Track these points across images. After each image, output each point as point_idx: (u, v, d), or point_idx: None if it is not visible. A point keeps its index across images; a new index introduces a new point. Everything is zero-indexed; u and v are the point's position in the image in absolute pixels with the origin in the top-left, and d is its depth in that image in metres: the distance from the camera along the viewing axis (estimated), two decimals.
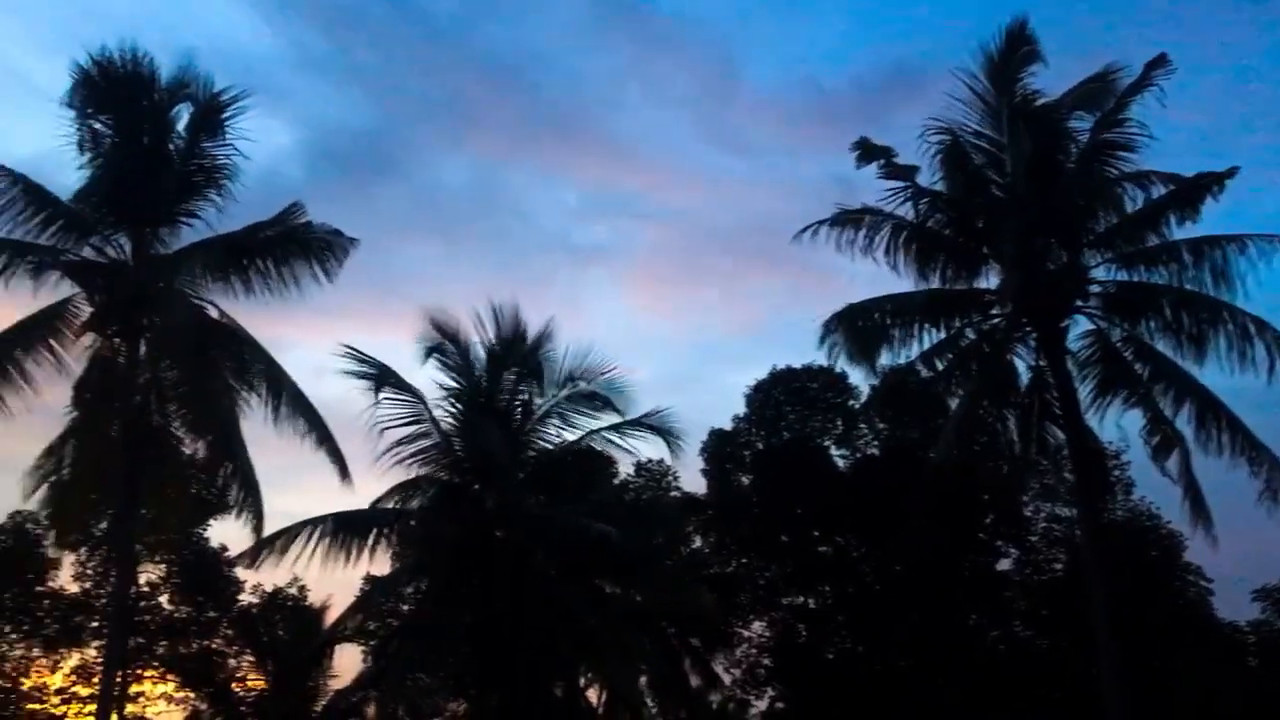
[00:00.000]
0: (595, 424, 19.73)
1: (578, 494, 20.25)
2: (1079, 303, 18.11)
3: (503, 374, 19.51)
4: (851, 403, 30.55)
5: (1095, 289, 18.10)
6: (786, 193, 60.91)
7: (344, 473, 17.31)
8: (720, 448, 30.43)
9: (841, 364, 19.56)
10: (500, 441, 18.44)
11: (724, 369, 66.24)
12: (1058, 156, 18.43)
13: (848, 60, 70.78)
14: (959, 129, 18.55)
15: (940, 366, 18.73)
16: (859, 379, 28.86)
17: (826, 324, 18.35)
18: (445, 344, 19.23)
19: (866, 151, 18.33)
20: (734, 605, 28.24)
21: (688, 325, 66.88)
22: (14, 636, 30.09)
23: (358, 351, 18.20)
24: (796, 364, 31.11)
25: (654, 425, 19.49)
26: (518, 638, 18.03)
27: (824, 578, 28.25)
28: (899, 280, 18.65)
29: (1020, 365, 18.68)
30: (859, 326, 18.24)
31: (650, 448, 25.09)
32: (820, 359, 22.01)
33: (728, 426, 31.00)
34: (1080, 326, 18.15)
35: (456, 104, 61.46)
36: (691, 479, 30.87)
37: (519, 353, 19.34)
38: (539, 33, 63.69)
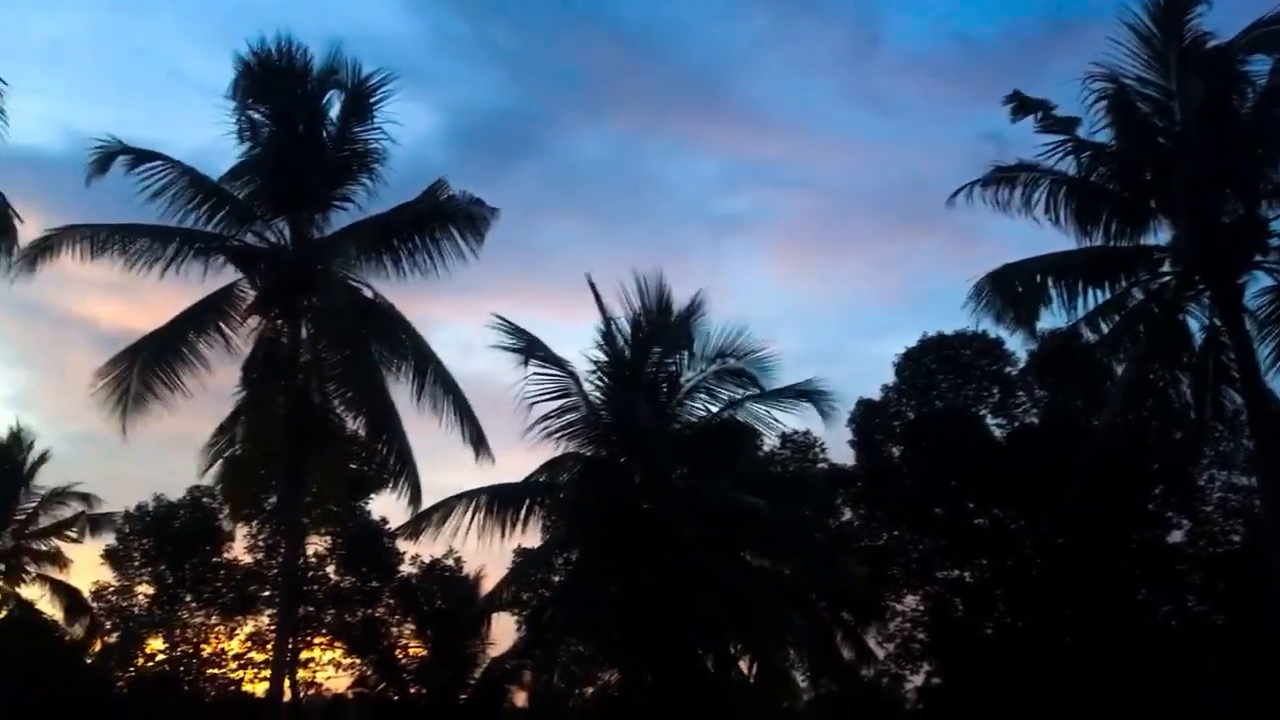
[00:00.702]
0: (742, 395, 19.47)
1: (724, 466, 20.09)
2: (1257, 257, 16.83)
3: (650, 347, 19.46)
4: (1008, 370, 29.50)
5: (1275, 242, 16.80)
6: (934, 153, 59.26)
7: (482, 449, 17.63)
8: (869, 418, 29.83)
9: (996, 328, 18.73)
10: (648, 415, 18.42)
11: (870, 338, 65.15)
12: (1232, 102, 17.08)
13: (997, 11, 68.16)
14: (1122, 76, 17.39)
15: (1105, 329, 17.69)
16: (1016, 344, 27.93)
17: (979, 286, 17.56)
18: (602, 317, 19.25)
19: (1021, 105, 17.42)
20: (886, 579, 27.74)
21: (832, 294, 65.91)
22: (194, 605, 32.04)
23: (508, 322, 18.32)
24: (948, 330, 30.22)
25: (805, 391, 19.13)
26: (666, 609, 18.05)
27: (980, 551, 27.43)
28: (1057, 239, 17.68)
29: (1193, 325, 17.51)
30: (1015, 289, 17.38)
31: (796, 419, 24.80)
32: (973, 324, 21.30)
33: (876, 396, 30.36)
34: (1259, 283, 16.82)
35: (594, 79, 61.95)
36: (839, 451, 30.41)
37: (666, 326, 19.24)
38: (676, 2, 63.39)
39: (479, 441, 17.75)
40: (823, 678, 26.03)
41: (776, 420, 20.17)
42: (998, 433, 28.82)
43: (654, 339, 19.46)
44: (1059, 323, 18.01)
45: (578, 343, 19.20)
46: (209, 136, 17.72)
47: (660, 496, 18.91)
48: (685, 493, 18.66)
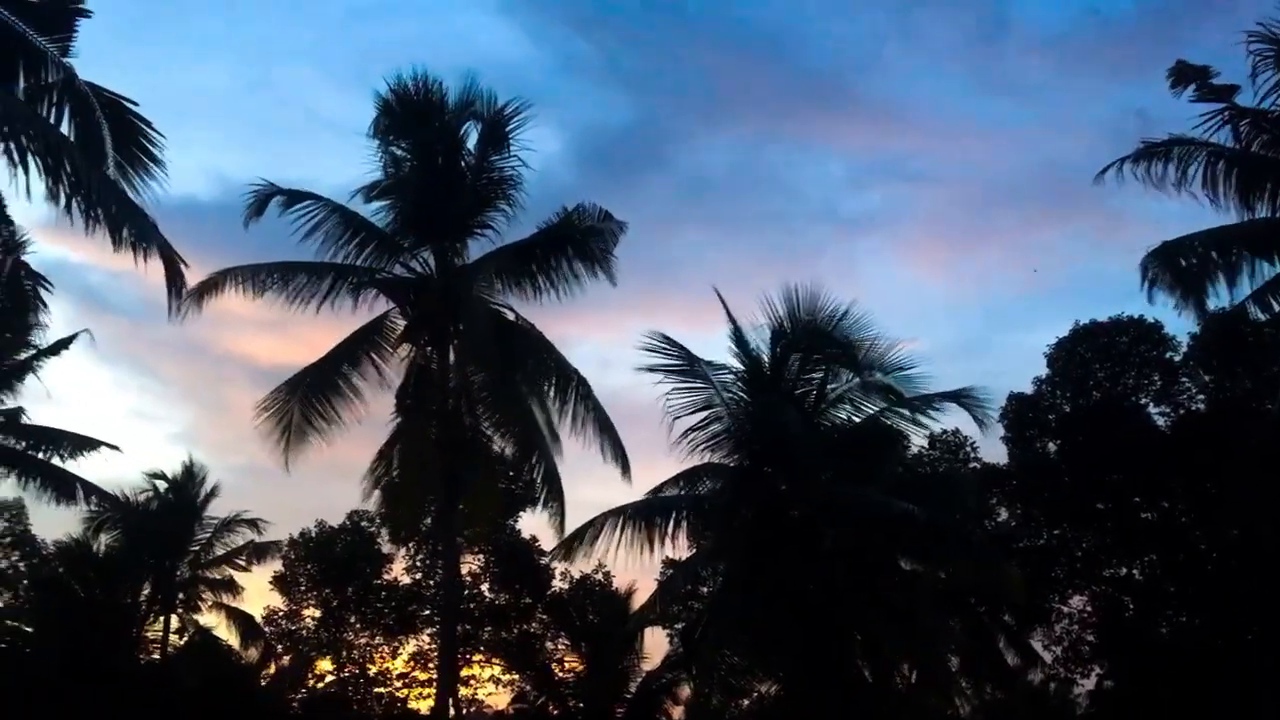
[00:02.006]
0: (890, 406, 19.05)
1: (871, 471, 19.71)
2: None
3: (790, 354, 19.26)
4: (1170, 355, 28.11)
5: None
6: (1073, 136, 57.20)
7: (623, 464, 17.79)
8: (1021, 413, 28.83)
9: (1159, 310, 17.81)
10: (792, 423, 18.24)
11: (1016, 330, 63.17)
12: None
13: None
14: None
15: (1277, 306, 16.70)
16: (1177, 328, 26.66)
17: (1144, 265, 16.71)
18: (736, 327, 19.14)
19: (1182, 75, 16.54)
20: (1048, 579, 26.75)
21: (973, 287, 64.21)
22: (358, 626, 33.18)
23: (665, 337, 18.16)
24: (1100, 317, 29.02)
25: (958, 398, 18.59)
26: (821, 618, 17.79)
27: (1149, 546, 26.19)
28: (1211, 217, 16.73)
29: None
30: (1181, 264, 16.47)
31: (944, 418, 24.11)
32: (1129, 309, 20.41)
33: (1028, 390, 29.35)
34: None
35: (715, 87, 62.06)
36: (991, 448, 29.49)
37: (808, 333, 19.00)
38: (791, 3, 62.99)
39: (621, 457, 17.93)
40: (986, 683, 25.25)
41: (926, 423, 19.70)
42: (1161, 422, 27.50)
43: (795, 346, 19.25)
44: (1224, 303, 17.06)
45: (711, 352, 19.05)
46: (350, 174, 18.46)
47: (808, 504, 18.67)
48: (834, 499, 18.39)
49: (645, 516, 18.68)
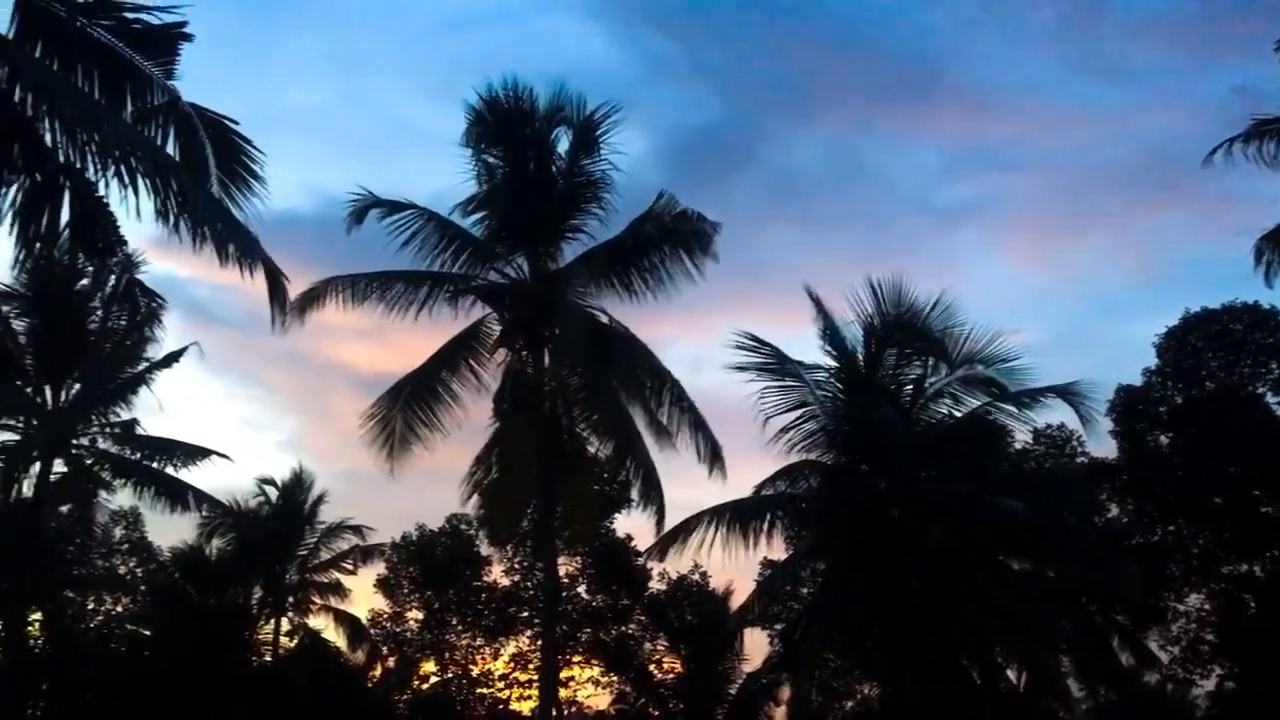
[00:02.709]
0: (991, 401, 18.59)
1: (973, 467, 19.26)
2: None
3: (885, 350, 18.94)
4: None
5: None
6: (1177, 117, 55.17)
7: (717, 464, 17.71)
8: (1131, 406, 27.88)
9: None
10: (889, 420, 17.93)
11: (1122, 320, 61.11)
12: None
13: None
14: None
15: None
16: None
17: (1259, 249, 16.07)
18: (829, 324, 18.91)
19: None
20: (1163, 577, 25.83)
21: (1076, 277, 62.33)
22: (460, 628, 33.69)
23: (752, 337, 18.14)
24: (1212, 304, 27.90)
25: (1062, 393, 18.04)
26: (925, 619, 17.45)
27: (1270, 541, 25.08)
28: None
29: None
30: None
31: (1049, 412, 23.44)
32: (1242, 295, 19.57)
33: (1137, 382, 28.36)
34: None
35: (802, 82, 61.45)
36: (1099, 442, 28.55)
37: (903, 329, 18.66)
38: None
39: (716, 457, 17.87)
40: (1100, 685, 24.47)
41: (1030, 417, 19.17)
42: None
43: (889, 342, 18.94)
44: None
45: (803, 350, 18.85)
46: (442, 183, 18.87)
47: (908, 502, 18.35)
48: (934, 497, 18.03)
49: (741, 516, 18.59)
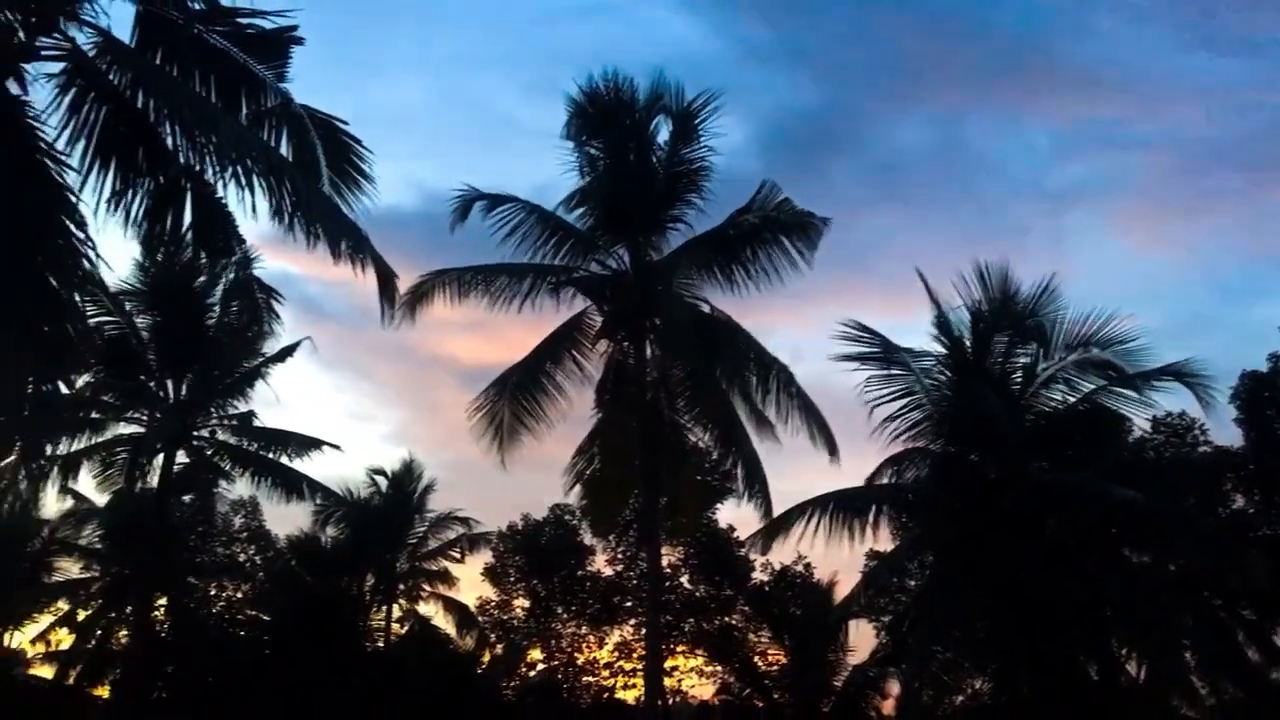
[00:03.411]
0: (1106, 384, 17.96)
1: (1088, 457, 18.67)
2: None
3: (993, 337, 18.47)
4: None
5: None
6: None
7: (833, 451, 17.54)
8: (1256, 392, 26.56)
9: None
10: (999, 408, 17.49)
11: (1248, 302, 58.44)
12: None
13: None
14: None
15: None
16: None
17: None
18: (939, 310, 18.51)
19: None
20: None
21: (1197, 258, 59.85)
22: (565, 616, 34.07)
23: (860, 325, 17.88)
24: None
25: (1180, 374, 17.33)
26: (1039, 611, 17.00)
27: None
28: None
29: None
30: None
31: (1169, 399, 22.56)
32: None
33: (1263, 367, 27.06)
34: None
35: (904, 65, 60.28)
36: (1223, 431, 27.36)
37: (1011, 315, 18.16)
38: None
39: (829, 444, 17.70)
40: (1224, 681, 23.49)
41: (1147, 404, 18.46)
42: None
43: (997, 328, 18.45)
44: None
45: (906, 338, 18.51)
46: (542, 176, 19.17)
47: (1020, 492, 17.87)
48: (1047, 487, 17.53)
49: (846, 507, 18.39)
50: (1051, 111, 56.58)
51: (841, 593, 28.50)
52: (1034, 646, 17.19)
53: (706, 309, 18.21)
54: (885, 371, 18.23)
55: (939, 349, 18.69)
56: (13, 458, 10.29)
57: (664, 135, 18.53)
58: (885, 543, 21.23)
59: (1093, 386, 18.00)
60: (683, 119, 18.14)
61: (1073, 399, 18.32)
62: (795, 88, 62.99)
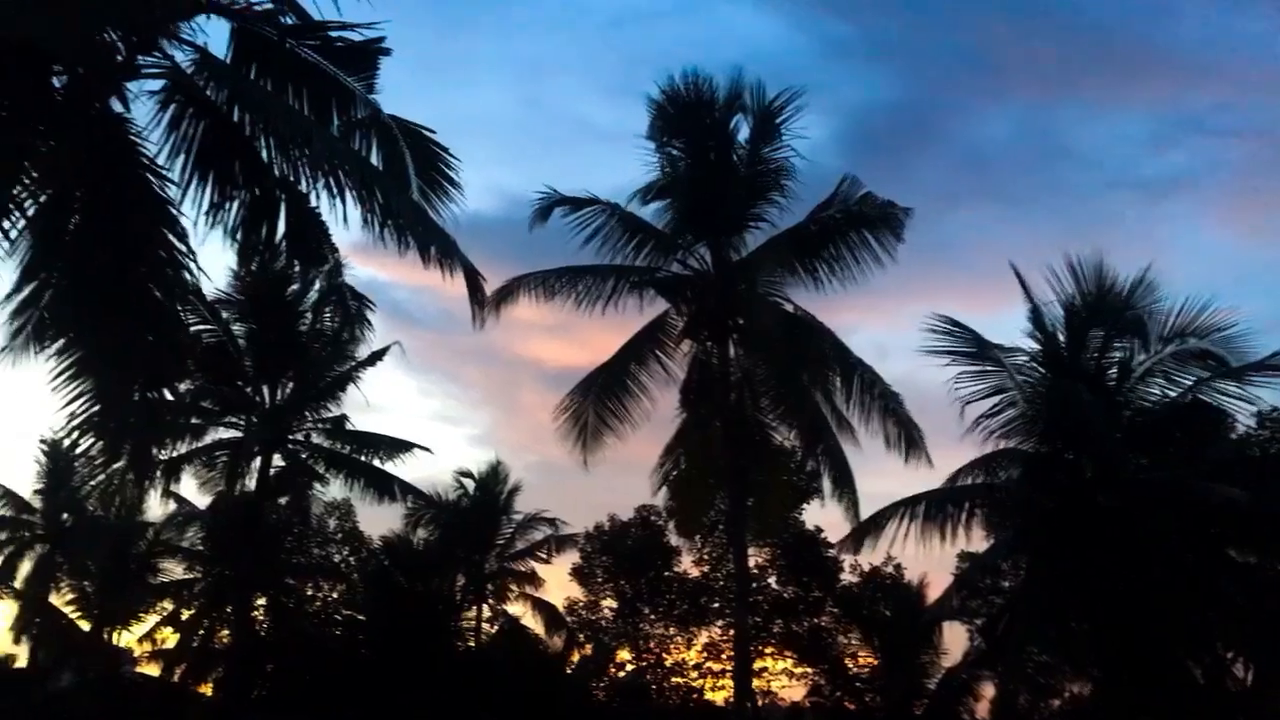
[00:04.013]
0: (1209, 376, 17.37)
1: (1190, 454, 18.08)
2: None
3: (1088, 332, 17.99)
4: None
5: None
6: None
7: (916, 453, 17.23)
8: None
9: None
10: (1095, 404, 17.03)
11: None
12: None
13: None
14: None
15: None
16: None
17: None
18: (1033, 305, 18.09)
19: None
20: None
21: None
22: (653, 617, 34.13)
23: (949, 320, 17.56)
24: None
25: None
26: (1138, 614, 16.52)
27: None
28: None
29: None
30: None
31: (1273, 394, 21.74)
32: None
33: None
34: None
35: (989, 55, 59.06)
36: None
37: (1107, 307, 17.67)
38: None
39: (912, 446, 17.42)
40: None
41: (1249, 398, 17.79)
42: None
43: (1092, 322, 17.97)
44: None
45: (994, 333, 18.11)
46: (621, 179, 19.27)
47: (1117, 491, 17.39)
48: (1146, 486, 17.03)
49: (937, 506, 18.10)
50: (1146, 99, 54.89)
51: (932, 594, 28.09)
52: (1135, 648, 16.71)
53: (790, 307, 18.13)
54: (977, 367, 17.89)
55: (1031, 344, 18.31)
56: (121, 463, 10.62)
57: (744, 133, 18.55)
58: (978, 543, 20.81)
59: (1192, 380, 17.43)
60: (764, 118, 18.07)
61: (1172, 394, 17.76)
62: (878, 82, 62.46)
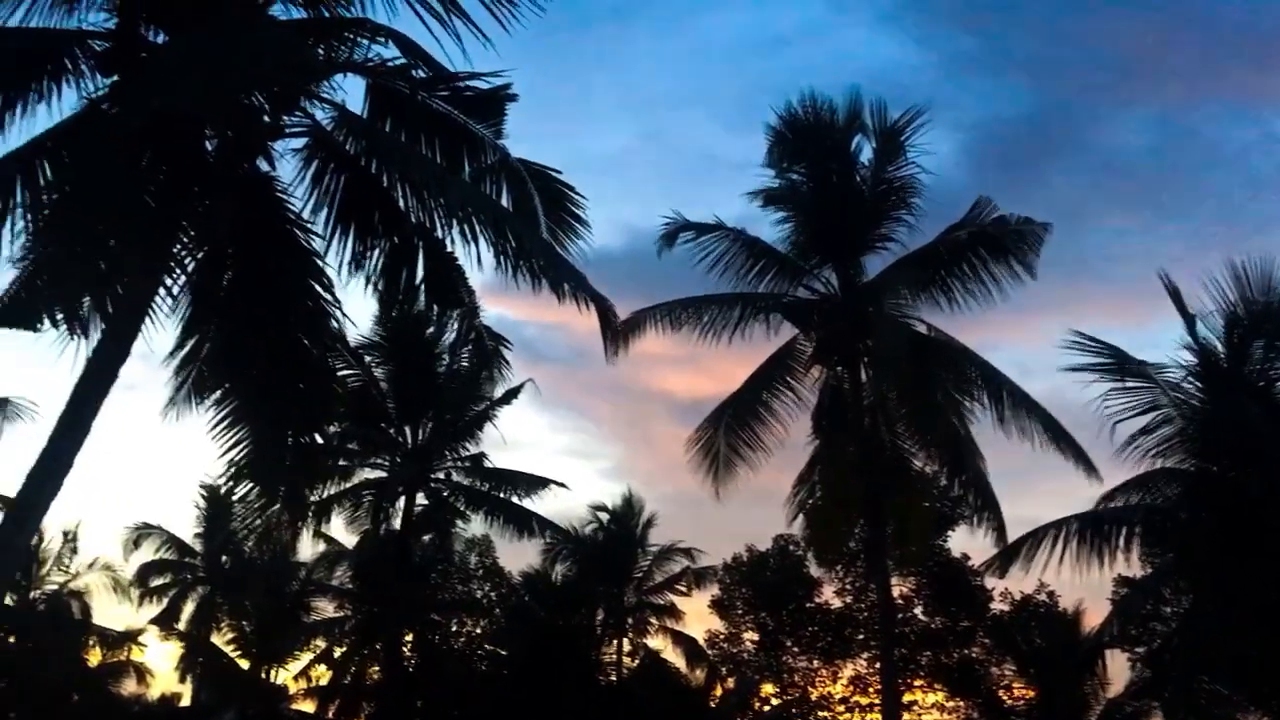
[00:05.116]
0: None
1: None
2: None
3: (1251, 343, 17.02)
4: None
5: None
6: None
7: (1088, 468, 16.57)
8: None
9: None
10: (1260, 419, 16.08)
11: None
12: None
13: None
14: None
15: None
16: None
17: None
18: (1187, 317, 17.22)
19: None
20: None
21: None
22: (795, 650, 33.56)
23: (1088, 337, 16.92)
24: None
25: None
26: None
27: None
28: None
29: None
30: None
31: None
32: None
33: None
34: None
35: (1123, 61, 56.84)
36: None
37: (1273, 316, 16.69)
38: None
39: (1083, 459, 16.81)
40: None
41: None
42: None
43: (1256, 332, 16.98)
44: None
45: (1140, 350, 17.27)
46: (745, 209, 19.21)
47: None
48: None
49: (1091, 529, 17.35)
50: None
51: (1089, 621, 26.87)
52: None
53: (922, 328, 17.72)
54: (1127, 384, 17.11)
55: (1186, 357, 17.43)
56: (276, 506, 11.11)
57: (866, 154, 18.35)
58: (1136, 568, 19.83)
59: None
60: (886, 136, 17.86)
61: None
62: (1005, 93, 60.70)
